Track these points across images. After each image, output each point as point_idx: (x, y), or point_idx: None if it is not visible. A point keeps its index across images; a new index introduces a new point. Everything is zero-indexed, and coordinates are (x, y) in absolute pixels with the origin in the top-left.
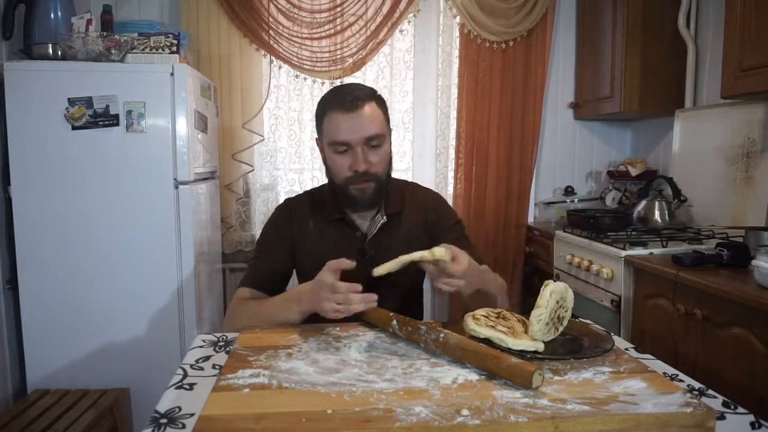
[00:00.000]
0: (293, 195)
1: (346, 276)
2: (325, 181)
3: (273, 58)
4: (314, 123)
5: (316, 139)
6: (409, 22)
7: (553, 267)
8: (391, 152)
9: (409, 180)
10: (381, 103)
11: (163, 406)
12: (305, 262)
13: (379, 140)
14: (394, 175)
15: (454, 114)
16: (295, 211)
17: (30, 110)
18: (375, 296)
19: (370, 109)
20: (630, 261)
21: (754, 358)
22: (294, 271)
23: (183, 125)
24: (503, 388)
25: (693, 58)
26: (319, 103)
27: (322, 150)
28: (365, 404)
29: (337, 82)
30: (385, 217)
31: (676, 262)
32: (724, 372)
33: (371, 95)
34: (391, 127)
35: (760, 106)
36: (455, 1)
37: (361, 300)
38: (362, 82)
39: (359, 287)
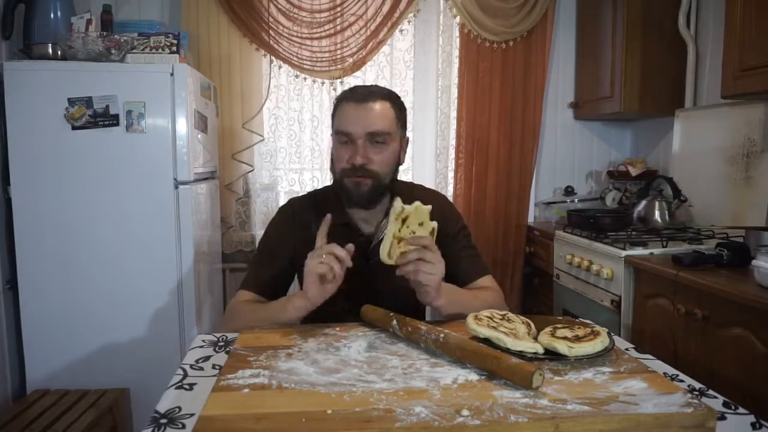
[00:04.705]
0: (296, 195)
1: (349, 277)
2: (327, 181)
3: (273, 58)
4: (329, 120)
5: (331, 134)
6: (409, 21)
7: (553, 267)
8: (398, 155)
9: (410, 180)
10: (397, 104)
11: (163, 406)
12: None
13: (384, 138)
14: None
15: (454, 114)
16: (298, 213)
17: (30, 110)
18: (352, 246)
19: (380, 105)
20: (630, 261)
21: (755, 358)
22: (296, 276)
23: (183, 125)
24: (503, 388)
25: (693, 58)
26: (336, 97)
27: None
28: (365, 404)
29: (338, 82)
30: None
31: (676, 262)
32: (724, 372)
33: (387, 95)
34: (408, 134)
35: (760, 106)
36: (455, 1)
37: (342, 251)
38: (362, 83)
39: (352, 247)
